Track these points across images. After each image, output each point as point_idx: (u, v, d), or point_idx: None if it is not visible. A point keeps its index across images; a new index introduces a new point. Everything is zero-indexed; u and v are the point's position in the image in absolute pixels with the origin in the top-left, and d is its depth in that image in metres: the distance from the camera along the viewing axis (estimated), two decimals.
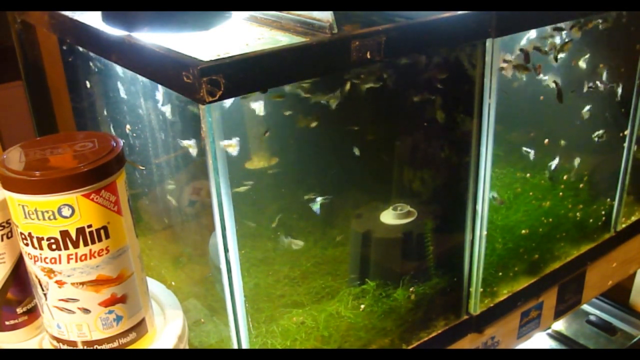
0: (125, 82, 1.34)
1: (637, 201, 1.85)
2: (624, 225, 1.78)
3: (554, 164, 1.57)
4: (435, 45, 1.12)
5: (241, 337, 1.12)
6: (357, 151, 1.30)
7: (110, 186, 0.87)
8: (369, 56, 0.99)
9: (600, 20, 1.51)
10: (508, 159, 1.49)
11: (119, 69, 1.33)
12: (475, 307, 1.46)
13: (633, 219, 1.81)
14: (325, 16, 0.99)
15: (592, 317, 2.29)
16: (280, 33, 1.03)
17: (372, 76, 1.21)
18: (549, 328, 2.22)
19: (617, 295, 2.28)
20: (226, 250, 1.03)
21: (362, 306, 1.35)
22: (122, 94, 1.36)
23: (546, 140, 1.55)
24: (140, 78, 1.26)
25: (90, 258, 0.88)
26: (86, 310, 0.91)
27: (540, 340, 2.22)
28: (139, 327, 0.97)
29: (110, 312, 0.93)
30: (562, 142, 1.59)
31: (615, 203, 1.72)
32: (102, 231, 0.88)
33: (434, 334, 1.42)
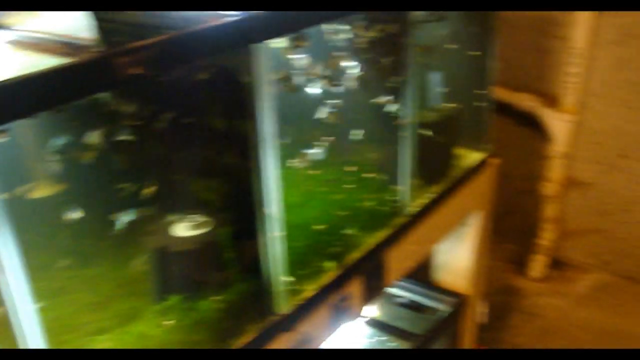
0: None
1: (423, 185, 1.96)
2: (414, 209, 1.87)
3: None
4: (204, 54, 1.13)
5: None
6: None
7: None
8: (138, 71, 0.98)
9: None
10: (296, 158, 1.52)
11: None
12: (283, 306, 1.48)
13: (422, 201, 1.91)
14: (88, 34, 0.97)
15: (401, 299, 2.39)
16: (43, 56, 1.00)
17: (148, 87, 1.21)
18: (362, 316, 2.29)
19: (421, 275, 2.40)
20: (14, 288, 0.99)
21: (169, 322, 1.34)
22: None
23: (331, 138, 1.60)
24: None
25: None
26: None
27: (356, 329, 2.29)
28: None
29: None
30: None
31: (403, 189, 1.80)
32: None
33: (247, 339, 1.42)
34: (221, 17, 1.15)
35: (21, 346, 1.05)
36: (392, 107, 1.69)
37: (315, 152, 1.53)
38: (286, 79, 1.37)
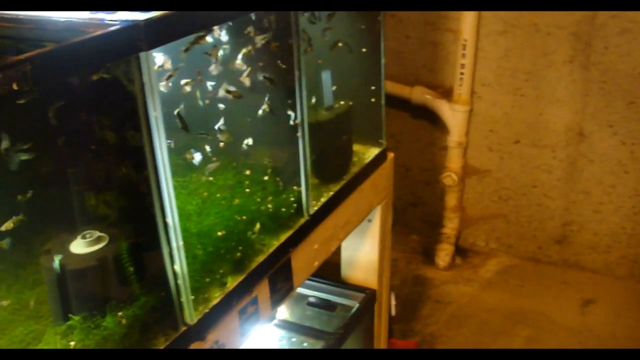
0: None
1: (323, 184, 1.97)
2: (315, 208, 1.88)
3: (212, 165, 1.60)
4: (87, 66, 1.11)
5: None
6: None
7: None
8: (15, 87, 0.96)
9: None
10: (191, 166, 1.51)
11: None
12: (191, 316, 1.47)
13: (323, 200, 1.93)
14: None
15: (311, 299, 2.40)
16: None
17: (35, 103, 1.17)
18: (273, 318, 2.29)
19: (329, 273, 2.42)
20: None
21: (72, 343, 1.30)
22: None
23: (221, 144, 1.59)
24: None
25: None
26: None
27: (269, 332, 2.29)
28: None
29: None
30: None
31: (303, 189, 1.81)
32: None
33: None
34: (103, 25, 1.13)
35: None
36: (285, 109, 1.69)
37: (198, 158, 1.52)
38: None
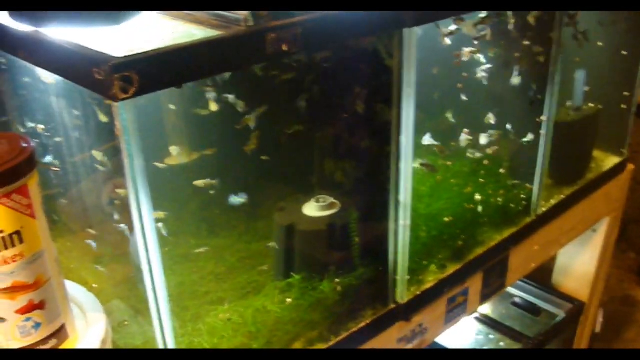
0: (36, 80, 1.29)
1: (555, 185, 1.90)
2: (544, 209, 1.81)
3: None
4: (351, 36, 1.11)
5: (166, 337, 1.10)
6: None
7: (22, 189, 0.84)
8: (284, 49, 0.98)
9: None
10: (429, 148, 1.49)
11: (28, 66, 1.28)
12: (402, 295, 1.47)
13: (552, 202, 1.85)
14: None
15: (516, 299, 2.34)
16: (194, 27, 1.01)
17: (290, 67, 1.20)
18: (476, 312, 2.25)
19: (540, 277, 2.34)
20: (146, 249, 1.00)
21: (289, 300, 1.34)
22: (33, 92, 1.32)
23: (466, 132, 1.55)
24: (52, 75, 1.22)
25: (4, 264, 0.85)
26: (2, 319, 0.88)
27: (468, 325, 2.26)
28: (60, 333, 0.95)
29: (28, 319, 0.90)
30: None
31: (535, 188, 1.75)
32: (15, 236, 0.85)
33: (362, 324, 1.42)
34: None
35: (147, 307, 1.07)
36: (535, 103, 1.64)
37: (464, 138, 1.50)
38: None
